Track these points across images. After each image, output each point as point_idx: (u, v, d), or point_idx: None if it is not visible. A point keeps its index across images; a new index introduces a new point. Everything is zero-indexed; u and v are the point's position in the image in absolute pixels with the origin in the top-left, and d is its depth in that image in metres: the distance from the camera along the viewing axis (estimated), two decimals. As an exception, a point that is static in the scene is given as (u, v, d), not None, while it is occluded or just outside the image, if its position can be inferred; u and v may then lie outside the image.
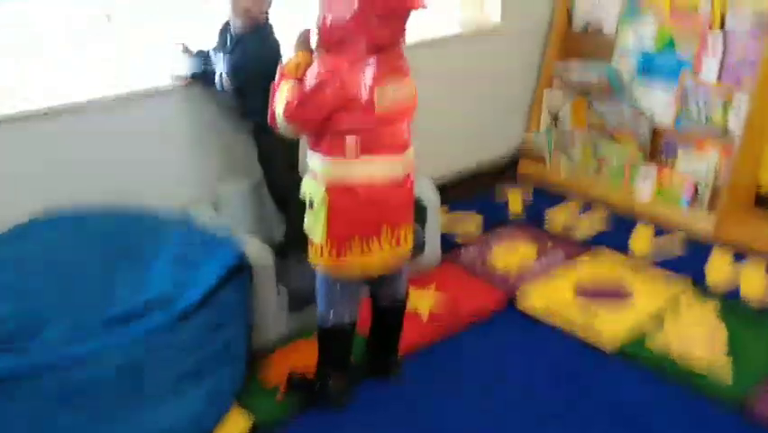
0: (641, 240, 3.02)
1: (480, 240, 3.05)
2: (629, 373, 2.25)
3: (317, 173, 1.94)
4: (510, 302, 2.62)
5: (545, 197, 3.45)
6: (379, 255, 1.96)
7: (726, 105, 3.04)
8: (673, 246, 2.97)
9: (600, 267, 2.81)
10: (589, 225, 3.18)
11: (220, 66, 2.42)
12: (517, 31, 3.49)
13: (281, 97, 1.91)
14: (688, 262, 2.84)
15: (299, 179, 2.07)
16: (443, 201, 2.88)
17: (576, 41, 3.56)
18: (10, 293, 1.96)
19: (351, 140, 1.86)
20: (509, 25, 3.43)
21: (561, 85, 3.56)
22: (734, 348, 2.32)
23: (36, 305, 1.95)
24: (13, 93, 2.28)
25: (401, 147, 1.95)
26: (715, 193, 3.07)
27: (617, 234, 3.08)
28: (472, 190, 3.46)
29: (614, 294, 2.63)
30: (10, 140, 2.19)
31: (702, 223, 3.07)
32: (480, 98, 3.44)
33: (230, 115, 2.59)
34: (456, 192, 3.35)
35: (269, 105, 1.95)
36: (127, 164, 2.43)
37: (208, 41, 2.50)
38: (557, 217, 3.24)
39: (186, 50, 2.62)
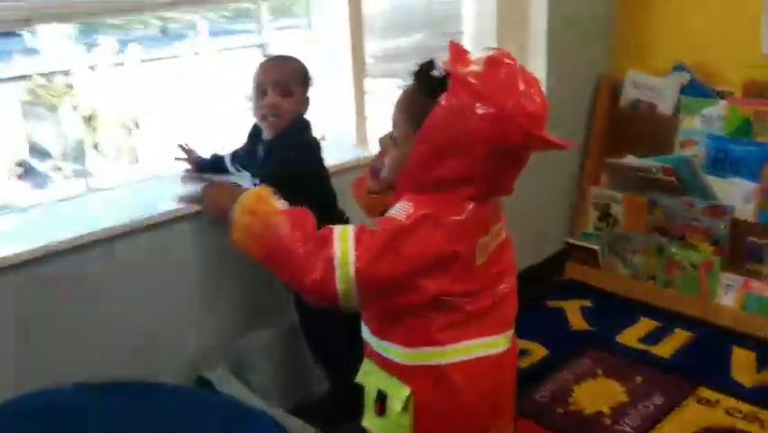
0: (745, 369, 2.45)
1: (553, 380, 2.42)
2: None
3: (390, 359, 1.36)
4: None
5: (607, 307, 2.86)
6: None
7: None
8: (786, 375, 2.41)
9: (716, 414, 2.22)
10: (673, 346, 2.60)
11: (247, 181, 1.81)
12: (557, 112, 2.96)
13: (337, 249, 1.26)
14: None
15: (345, 323, 1.54)
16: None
17: (624, 122, 3.06)
18: None
19: (441, 319, 1.31)
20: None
21: (611, 179, 3.04)
22: None
23: None
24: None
25: (509, 320, 1.42)
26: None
27: (705, 359, 2.50)
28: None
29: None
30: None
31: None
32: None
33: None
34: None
35: (292, 259, 1.28)
36: (115, 320, 1.76)
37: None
38: (629, 336, 2.66)
39: (188, 151, 2.01)
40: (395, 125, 1.34)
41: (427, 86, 1.26)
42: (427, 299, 1.27)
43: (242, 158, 2.02)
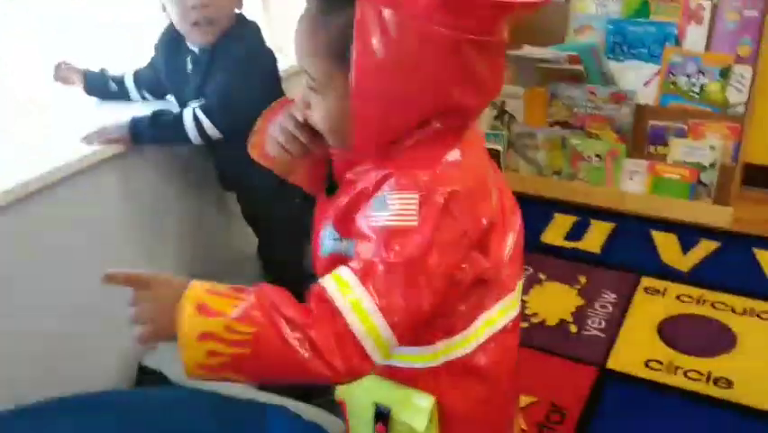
0: (672, 253, 2.46)
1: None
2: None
3: (400, 367, 1.01)
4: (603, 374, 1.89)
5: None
6: None
7: (724, 76, 2.57)
8: (706, 252, 2.45)
9: (669, 303, 2.19)
10: (598, 239, 2.55)
11: (175, 104, 1.38)
12: None
13: (351, 320, 0.83)
14: (739, 272, 2.33)
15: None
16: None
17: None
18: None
19: (464, 300, 0.98)
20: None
21: (511, 73, 2.85)
22: None
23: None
24: None
25: (521, 265, 1.10)
26: (722, 179, 2.61)
27: (634, 248, 2.49)
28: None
29: (714, 339, 2.03)
30: None
31: (715, 215, 2.59)
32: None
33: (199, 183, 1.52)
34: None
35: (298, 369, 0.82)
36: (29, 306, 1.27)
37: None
38: (552, 235, 2.57)
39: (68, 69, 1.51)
40: (307, 69, 0.92)
41: (319, 4, 0.88)
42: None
43: (152, 80, 1.53)
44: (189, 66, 1.47)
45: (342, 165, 0.96)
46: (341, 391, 1.07)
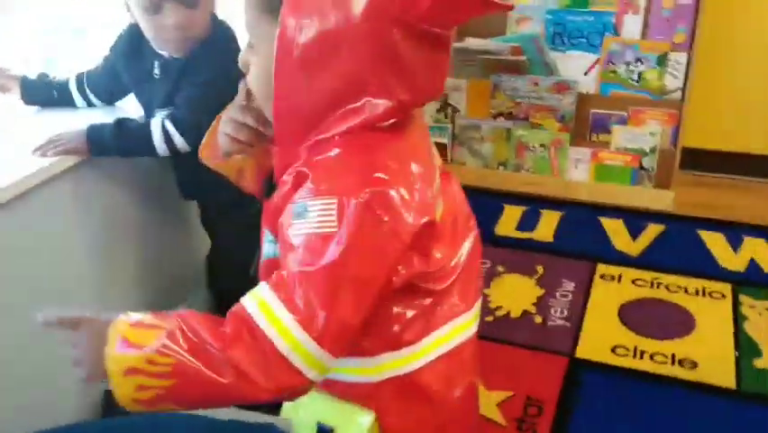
0: (622, 238, 2.50)
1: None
2: None
3: (339, 380, 0.95)
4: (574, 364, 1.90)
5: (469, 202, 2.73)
6: None
7: (661, 63, 2.63)
8: (654, 236, 2.51)
9: (626, 288, 2.23)
10: (549, 229, 2.57)
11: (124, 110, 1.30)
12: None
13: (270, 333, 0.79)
14: (687, 254, 2.40)
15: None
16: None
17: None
18: None
19: (407, 310, 0.91)
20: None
21: (454, 66, 2.83)
22: None
23: None
24: None
25: (479, 281, 1.04)
26: (662, 164, 2.68)
27: (585, 236, 2.52)
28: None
29: (674, 322, 2.08)
30: None
31: (657, 199, 2.66)
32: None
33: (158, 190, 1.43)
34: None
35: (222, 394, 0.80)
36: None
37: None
38: (504, 227, 2.58)
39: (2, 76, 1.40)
40: (246, 24, 0.88)
41: None
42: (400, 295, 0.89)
43: (103, 84, 1.43)
44: (156, 70, 1.38)
45: (280, 166, 0.91)
46: (286, 411, 1.01)
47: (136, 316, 0.83)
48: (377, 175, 0.81)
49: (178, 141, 1.34)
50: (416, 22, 0.79)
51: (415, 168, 0.86)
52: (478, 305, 1.02)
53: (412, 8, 0.78)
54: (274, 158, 0.92)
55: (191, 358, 0.78)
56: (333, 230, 0.78)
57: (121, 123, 1.36)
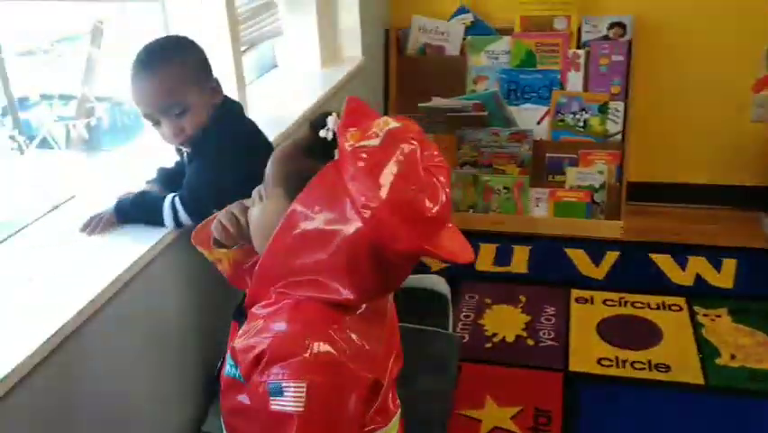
0: (584, 265, 2.86)
1: (457, 321, 2.51)
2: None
3: None
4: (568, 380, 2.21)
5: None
6: None
7: (603, 111, 3.04)
8: (612, 261, 2.88)
9: (599, 308, 2.57)
10: (523, 262, 2.90)
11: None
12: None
13: None
14: (643, 274, 2.77)
15: None
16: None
17: (417, 68, 3.19)
18: None
19: None
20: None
21: (423, 123, 3.16)
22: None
23: None
24: None
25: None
26: (611, 197, 3.06)
27: (555, 266, 2.87)
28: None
29: (644, 333, 2.42)
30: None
31: (608, 229, 3.04)
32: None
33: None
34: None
35: None
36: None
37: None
38: (482, 263, 2.89)
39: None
40: (266, 178, 1.04)
41: (310, 143, 0.98)
42: None
43: (169, 176, 1.64)
44: (185, 160, 1.56)
45: (252, 295, 1.04)
46: None
47: None
48: (335, 348, 0.94)
49: (183, 216, 1.46)
50: (390, 255, 0.93)
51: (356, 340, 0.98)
52: (399, 404, 1.15)
53: (391, 244, 0.92)
54: (250, 285, 1.05)
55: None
56: (300, 410, 0.90)
57: (143, 193, 1.53)
